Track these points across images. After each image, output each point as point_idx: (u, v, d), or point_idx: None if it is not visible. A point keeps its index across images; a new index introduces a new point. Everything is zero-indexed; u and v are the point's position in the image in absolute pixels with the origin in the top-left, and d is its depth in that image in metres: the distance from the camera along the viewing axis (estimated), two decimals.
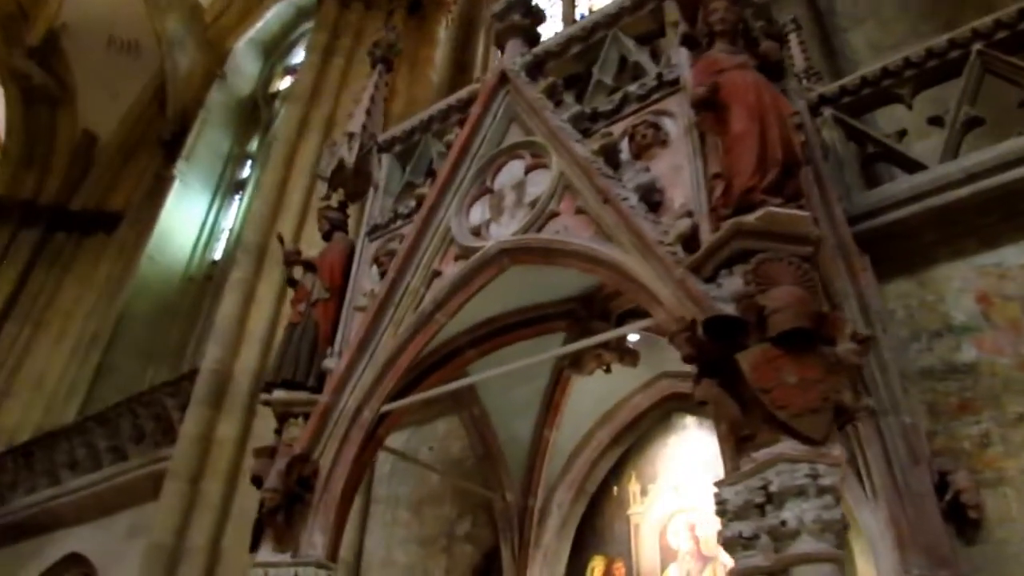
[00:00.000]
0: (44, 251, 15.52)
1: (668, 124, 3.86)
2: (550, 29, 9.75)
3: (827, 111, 5.07)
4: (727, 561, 4.75)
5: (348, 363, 4.48)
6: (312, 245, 5.87)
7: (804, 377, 2.60)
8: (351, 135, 5.55)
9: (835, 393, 2.60)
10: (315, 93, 10.26)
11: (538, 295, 4.83)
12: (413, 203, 4.90)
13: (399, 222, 5.05)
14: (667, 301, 3.21)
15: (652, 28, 4.50)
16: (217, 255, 14.58)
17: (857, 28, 7.28)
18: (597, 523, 5.52)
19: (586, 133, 4.15)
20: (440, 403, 5.68)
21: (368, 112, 5.72)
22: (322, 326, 4.84)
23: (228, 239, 14.58)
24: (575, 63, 4.78)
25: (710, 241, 3.06)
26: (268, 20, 16.71)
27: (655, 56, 4.46)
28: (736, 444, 2.71)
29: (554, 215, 4.03)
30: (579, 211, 3.90)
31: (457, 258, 4.42)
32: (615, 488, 5.55)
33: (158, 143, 16.54)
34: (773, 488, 2.51)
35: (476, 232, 4.41)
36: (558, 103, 4.42)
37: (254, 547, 4.25)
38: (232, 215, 15.14)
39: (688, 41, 3.82)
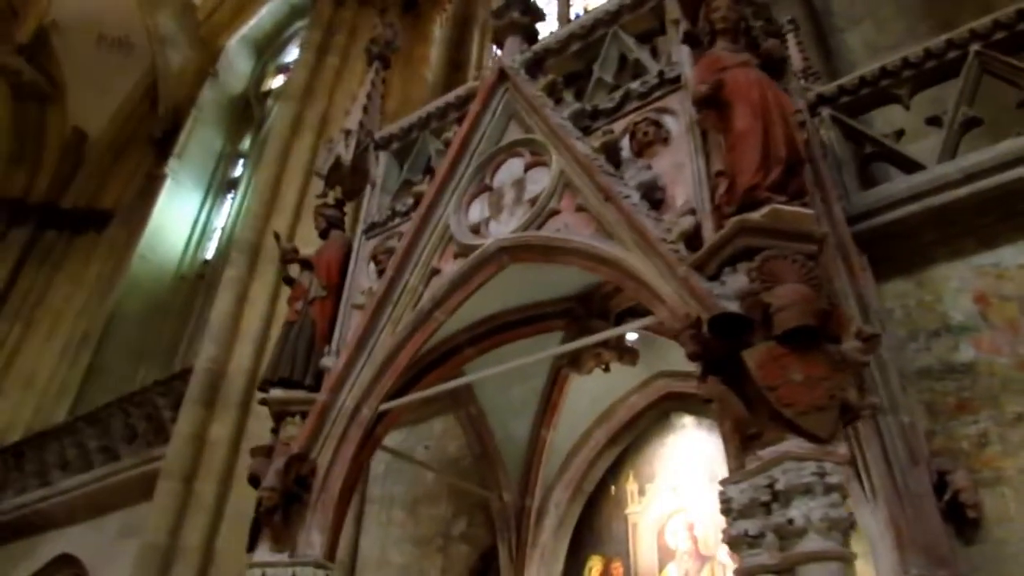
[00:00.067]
0: (34, 249, 15.41)
1: (669, 122, 3.85)
2: (545, 29, 9.72)
3: (825, 111, 5.08)
4: (725, 560, 4.76)
5: (346, 361, 4.45)
6: (307, 243, 5.83)
7: (810, 375, 2.59)
8: (348, 132, 5.52)
9: (841, 391, 2.59)
10: (309, 91, 10.21)
11: (537, 293, 4.82)
12: (411, 201, 4.88)
13: (397, 220, 5.02)
14: (669, 299, 3.20)
15: (652, 26, 4.49)
16: (209, 254, 14.53)
17: (854, 28, 7.29)
18: (595, 523, 5.52)
19: (586, 131, 4.13)
20: (438, 402, 5.64)
21: (365, 109, 5.69)
22: (319, 324, 4.80)
23: (220, 238, 14.52)
24: (575, 61, 4.77)
25: (714, 238, 3.05)
26: (261, 18, 16.67)
27: (655, 54, 4.45)
28: (741, 442, 2.70)
29: (554, 213, 4.01)
30: (580, 209, 3.88)
31: (456, 256, 4.39)
32: (613, 487, 5.55)
33: (149, 141, 16.48)
34: (779, 486, 2.50)
35: (475, 230, 4.38)
36: (558, 101, 4.40)
37: (251, 547, 4.21)
38: (224, 214, 15.08)
39: (690, 39, 3.81)
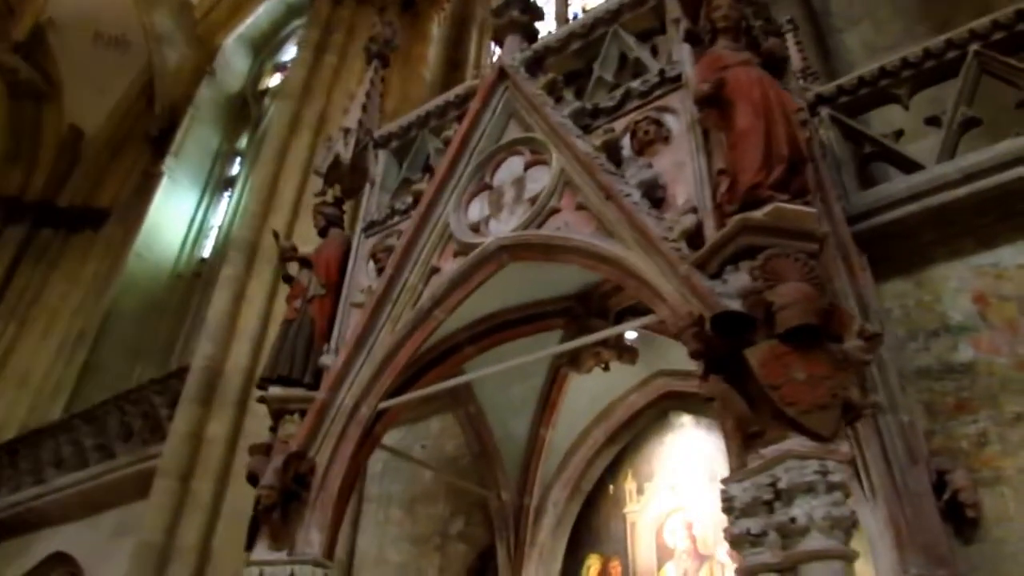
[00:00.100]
0: (30, 248, 15.35)
1: (670, 120, 3.85)
2: (543, 28, 9.71)
3: (824, 111, 5.09)
4: (724, 560, 4.76)
5: (345, 360, 4.44)
6: (304, 242, 5.82)
7: (812, 373, 2.59)
8: (347, 131, 5.50)
9: (843, 390, 2.60)
10: (307, 89, 10.19)
11: (536, 292, 4.81)
12: (410, 199, 4.87)
13: (396, 218, 5.01)
14: (671, 297, 3.19)
15: (653, 25, 4.49)
16: (206, 252, 14.48)
17: (852, 29, 7.30)
18: (593, 522, 5.52)
19: (587, 129, 4.13)
20: (437, 400, 5.64)
21: (364, 108, 5.68)
22: (318, 322, 4.80)
23: (217, 236, 14.48)
24: (575, 59, 4.77)
25: (716, 237, 3.05)
26: (258, 16, 16.63)
27: (655, 53, 4.45)
28: (743, 440, 2.69)
29: (554, 211, 4.01)
30: (580, 207, 3.88)
31: (456, 254, 4.39)
32: (611, 486, 5.55)
33: (146, 139, 16.41)
34: (782, 485, 2.50)
35: (475, 228, 4.38)
36: (558, 99, 4.41)
37: (249, 545, 4.20)
38: (221, 212, 15.04)
39: (691, 37, 3.80)
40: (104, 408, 10.10)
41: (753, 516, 2.56)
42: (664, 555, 5.07)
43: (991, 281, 4.23)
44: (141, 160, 16.26)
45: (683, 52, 3.94)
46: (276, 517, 4.05)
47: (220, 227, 14.60)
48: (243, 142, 15.91)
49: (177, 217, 14.63)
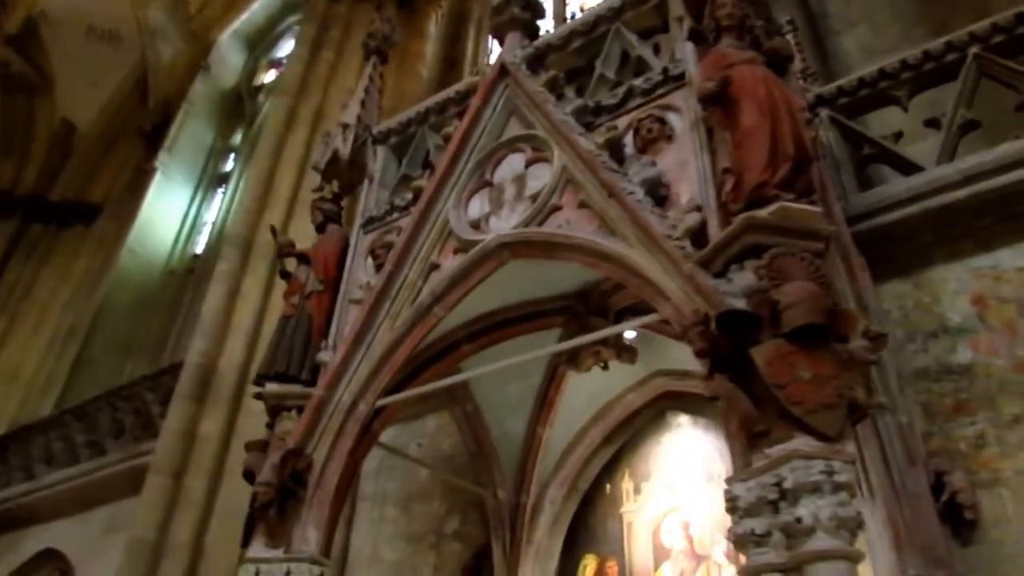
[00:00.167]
0: (21, 242, 15.23)
1: (673, 119, 3.84)
2: (542, 27, 9.70)
3: (823, 112, 5.09)
4: (721, 560, 4.76)
5: (343, 356, 4.42)
6: (300, 238, 5.79)
7: (818, 373, 2.58)
8: (346, 126, 5.49)
9: (848, 390, 2.59)
10: (303, 85, 10.16)
11: (535, 290, 4.80)
12: (410, 195, 4.85)
13: (395, 214, 4.99)
14: (674, 296, 3.18)
15: (655, 23, 4.48)
16: (199, 248, 14.41)
17: (850, 31, 7.31)
18: (590, 521, 5.51)
19: (589, 127, 4.12)
20: (434, 398, 5.63)
21: (363, 104, 5.66)
22: (316, 319, 4.77)
23: (210, 232, 14.41)
24: (576, 57, 4.76)
25: (721, 235, 3.04)
26: (253, 12, 16.57)
27: (657, 51, 4.44)
28: (748, 440, 2.68)
29: (556, 209, 4.00)
30: (582, 205, 3.87)
31: (456, 251, 4.37)
32: (608, 486, 5.54)
33: (139, 134, 16.32)
34: (787, 485, 2.49)
35: (475, 225, 4.37)
36: (559, 97, 4.40)
37: (245, 542, 4.17)
38: (214, 208, 14.97)
39: (695, 35, 3.79)
40: (95, 404, 10.06)
41: (757, 516, 2.55)
42: (661, 555, 5.06)
43: (990, 283, 4.24)
44: (134, 155, 16.16)
45: (686, 50, 3.93)
46: (273, 514, 4.02)
47: (213, 223, 14.53)
48: (237, 138, 15.85)
49: (170, 213, 14.56)
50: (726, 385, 2.68)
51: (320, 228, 5.31)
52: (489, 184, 4.46)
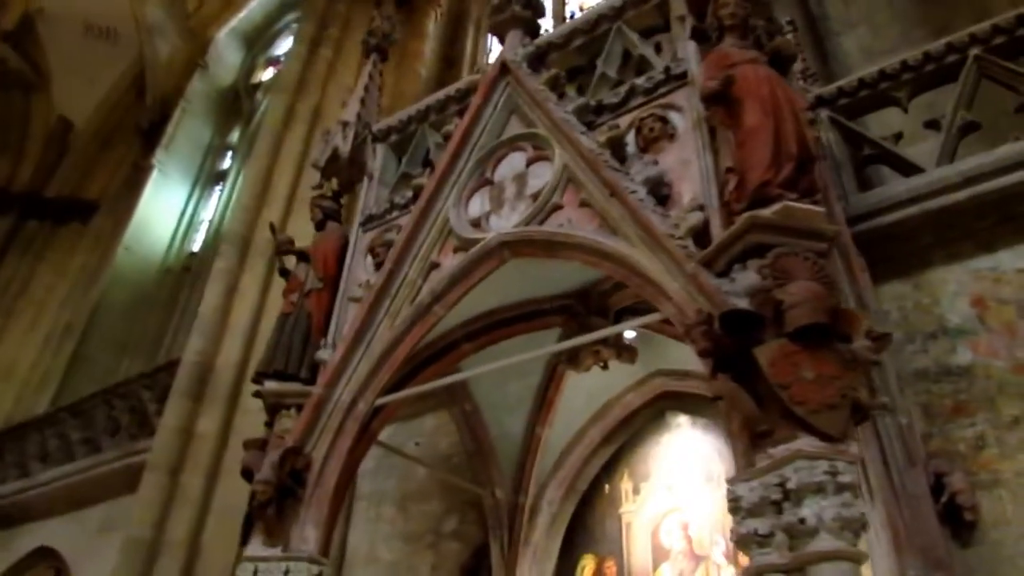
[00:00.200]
0: (16, 239, 15.17)
1: (675, 118, 3.84)
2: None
3: (824, 112, 5.08)
4: (720, 560, 4.76)
5: (343, 355, 4.41)
6: (298, 236, 5.75)
7: (821, 373, 2.57)
8: (346, 124, 5.47)
9: (852, 390, 2.58)
10: (302, 83, 10.15)
11: (535, 290, 4.79)
12: (410, 194, 4.84)
13: (395, 212, 4.98)
14: (676, 295, 3.18)
15: (657, 22, 4.47)
16: (196, 246, 14.36)
17: (849, 33, 7.31)
18: (588, 521, 5.50)
19: (590, 126, 4.12)
20: (433, 397, 5.62)
21: (363, 101, 5.65)
22: (315, 316, 4.76)
23: (207, 230, 14.36)
24: (577, 56, 4.75)
25: (724, 235, 3.03)
26: (251, 10, 16.51)
27: (659, 50, 4.43)
28: (750, 440, 2.68)
29: (557, 208, 3.99)
30: (583, 204, 3.86)
31: (456, 250, 4.36)
32: (607, 486, 5.53)
33: (136, 131, 16.26)
34: (791, 485, 2.48)
35: (476, 224, 4.36)
36: (560, 95, 4.38)
37: (244, 541, 4.16)
38: (211, 206, 14.92)
39: (698, 34, 3.79)
40: (91, 402, 10.02)
41: (760, 516, 2.54)
42: (660, 556, 5.06)
43: (989, 284, 4.23)
44: (131, 153, 16.11)
45: (689, 49, 3.93)
46: (271, 513, 4.01)
47: (210, 221, 14.49)
48: (235, 136, 15.80)
49: (167, 211, 14.50)
50: (729, 385, 2.67)
51: (319, 226, 5.29)
52: (490, 182, 4.46)
